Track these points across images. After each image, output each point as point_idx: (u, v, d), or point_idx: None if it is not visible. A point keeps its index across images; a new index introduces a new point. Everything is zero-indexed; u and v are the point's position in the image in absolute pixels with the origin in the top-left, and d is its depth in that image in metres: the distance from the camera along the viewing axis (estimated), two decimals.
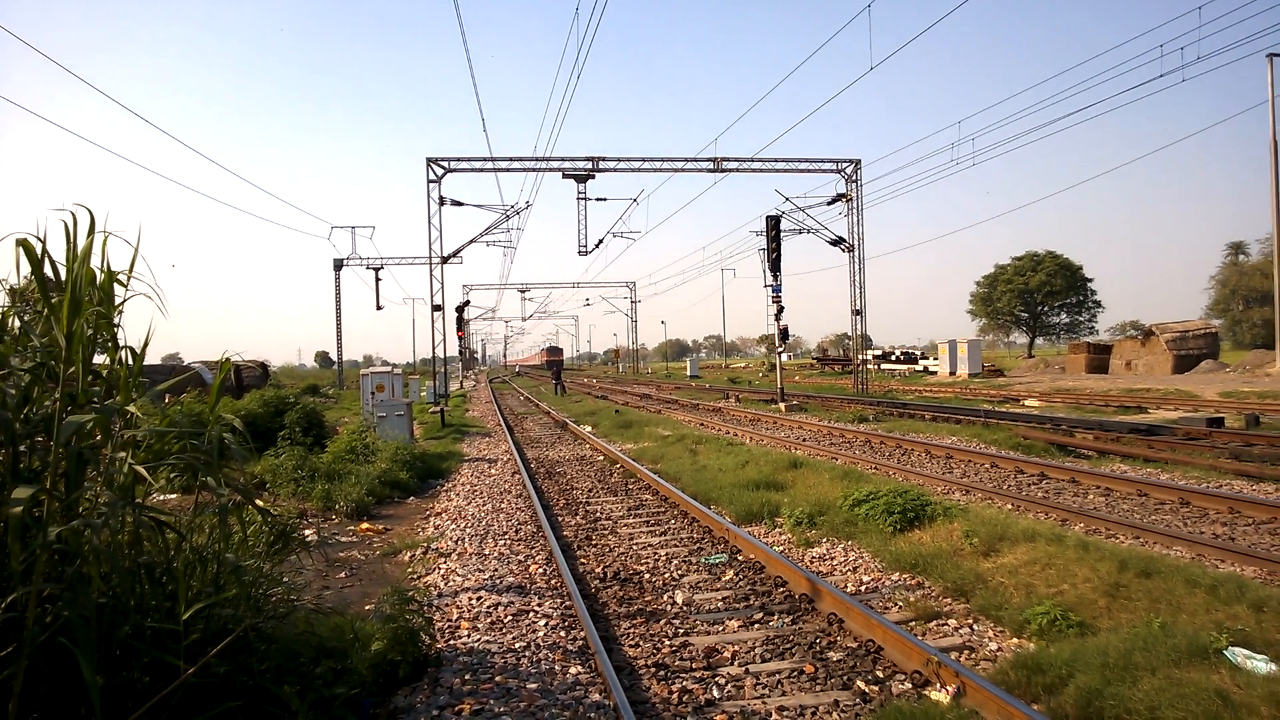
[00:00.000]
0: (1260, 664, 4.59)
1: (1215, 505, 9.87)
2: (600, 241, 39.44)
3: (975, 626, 6.27)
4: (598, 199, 38.82)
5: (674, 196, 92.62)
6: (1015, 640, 5.90)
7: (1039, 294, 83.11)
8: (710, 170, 36.14)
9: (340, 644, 4.98)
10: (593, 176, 36.11)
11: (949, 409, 23.92)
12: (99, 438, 3.74)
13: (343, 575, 8.60)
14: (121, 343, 4.20)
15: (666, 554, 8.82)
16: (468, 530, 10.40)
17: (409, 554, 9.43)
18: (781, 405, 27.03)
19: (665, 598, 7.33)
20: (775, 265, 28.68)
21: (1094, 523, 9.22)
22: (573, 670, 5.64)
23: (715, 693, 5.23)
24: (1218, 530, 8.99)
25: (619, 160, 35.98)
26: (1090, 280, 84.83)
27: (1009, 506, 10.28)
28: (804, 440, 18.48)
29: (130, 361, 4.15)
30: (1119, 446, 14.98)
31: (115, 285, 4.15)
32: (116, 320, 4.17)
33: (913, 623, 6.39)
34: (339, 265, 58.32)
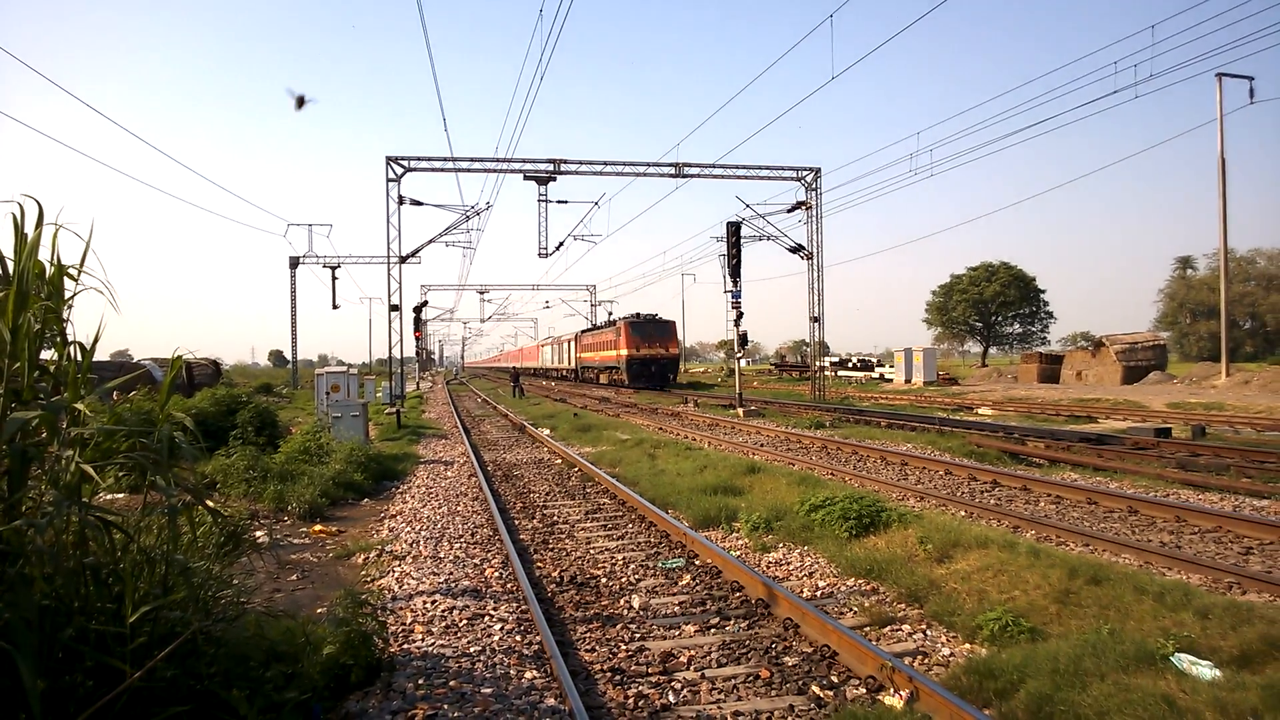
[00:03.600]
0: (1205, 670, 4.70)
1: (1162, 514, 10.09)
2: (561, 244, 39.33)
3: (929, 632, 6.34)
4: (559, 201, 38.82)
5: (635, 201, 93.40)
6: (968, 646, 5.97)
7: (993, 304, 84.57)
8: (672, 175, 36.26)
9: (291, 648, 4.90)
10: (554, 179, 36.07)
11: (904, 416, 24.21)
12: (44, 435, 3.64)
13: (295, 578, 8.45)
14: (70, 338, 4.09)
15: (624, 558, 8.81)
16: (423, 533, 10.29)
17: (363, 556, 9.30)
18: (740, 410, 27.16)
19: (622, 602, 7.31)
20: (735, 271, 28.81)
21: (1045, 530, 9.39)
22: (528, 675, 5.60)
23: (671, 697, 5.22)
24: (1165, 538, 9.20)
25: (581, 163, 35.96)
26: (1043, 291, 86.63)
27: (962, 513, 10.43)
28: (762, 445, 18.58)
29: (79, 358, 4.05)
30: (1070, 455, 15.28)
31: (65, 279, 4.05)
32: (66, 315, 4.06)
33: (867, 628, 6.45)
34: (295, 263, 57.45)
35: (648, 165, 36.17)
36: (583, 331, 64.17)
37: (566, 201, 38.84)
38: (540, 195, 36.54)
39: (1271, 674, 4.62)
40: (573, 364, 65.86)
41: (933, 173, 56.50)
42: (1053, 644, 5.33)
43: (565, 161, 35.79)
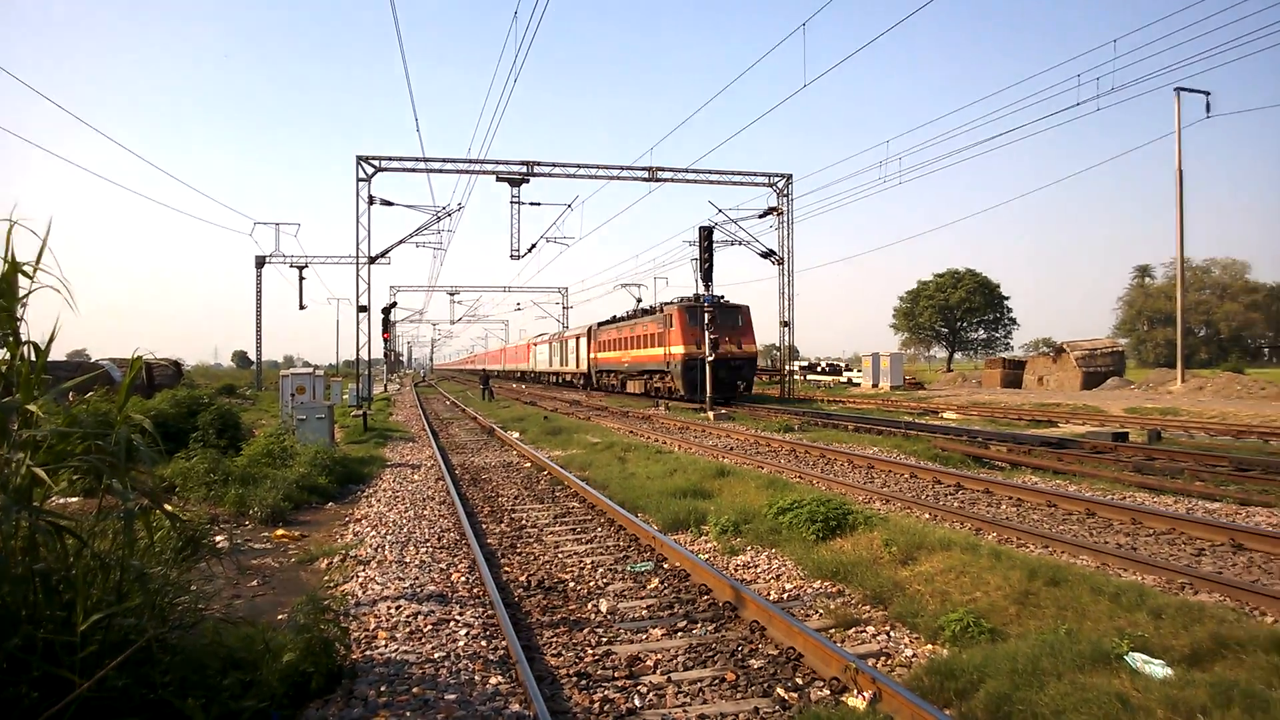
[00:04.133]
0: (1158, 669, 4.78)
1: (1119, 516, 10.26)
2: (533, 246, 39.30)
3: (892, 633, 6.39)
4: (531, 203, 38.80)
5: (609, 204, 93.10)
6: (930, 647, 6.03)
7: (958, 310, 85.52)
8: (645, 179, 36.37)
9: (250, 655, 4.83)
10: (527, 180, 36.03)
11: (871, 420, 24.41)
12: None
13: (255, 583, 8.34)
14: (24, 338, 4.01)
15: (592, 562, 8.79)
16: (388, 537, 10.20)
17: (326, 561, 9.20)
18: (710, 414, 27.23)
19: (590, 606, 7.30)
20: (707, 275, 28.93)
21: (1006, 532, 9.50)
22: (493, 680, 5.56)
23: (637, 701, 5.22)
24: (1121, 540, 9.35)
25: (554, 165, 35.95)
26: (1007, 298, 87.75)
27: (927, 516, 10.53)
28: (731, 449, 18.65)
29: (33, 357, 3.97)
30: (1031, 459, 15.48)
31: (19, 277, 3.97)
32: (19, 314, 3.98)
33: (832, 630, 6.49)
34: (261, 262, 56.80)
35: (621, 169, 36.27)
36: (602, 324, 48.98)
37: (539, 204, 38.78)
38: (513, 197, 36.47)
39: (1220, 672, 4.72)
40: (583, 366, 52.55)
41: (902, 180, 57.17)
42: (1012, 644, 5.40)
43: (538, 164, 35.76)
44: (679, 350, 34.92)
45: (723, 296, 33.17)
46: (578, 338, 54.74)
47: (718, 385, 31.29)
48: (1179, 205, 36.92)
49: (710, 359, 29.53)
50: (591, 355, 50.09)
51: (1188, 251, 41.40)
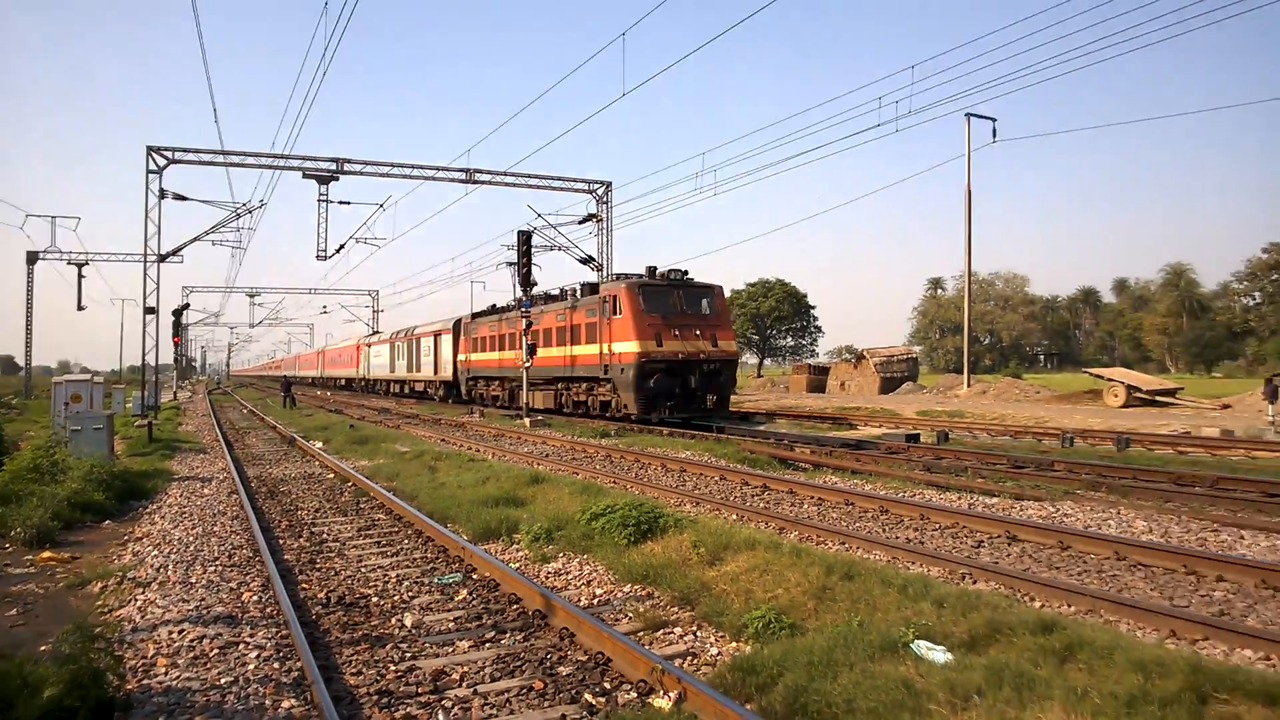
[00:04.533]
0: (939, 655, 5.11)
1: (909, 512, 10.97)
2: (342, 247, 37.73)
3: (699, 633, 6.52)
4: (341, 202, 37.30)
5: (424, 205, 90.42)
6: (734, 644, 6.19)
7: (769, 318, 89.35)
8: (462, 181, 35.74)
9: (4, 693, 4.31)
10: (336, 178, 34.60)
11: (684, 425, 24.99)
12: None
13: (14, 612, 7.47)
14: None
15: (398, 575, 8.47)
16: (173, 556, 9.42)
17: (100, 585, 8.37)
18: (527, 420, 27.03)
19: (394, 621, 7.02)
20: (525, 280, 28.70)
21: (807, 530, 9.95)
22: (285, 704, 5.22)
23: (441, 717, 5.04)
24: (910, 535, 10.00)
25: (366, 163, 34.71)
26: (814, 307, 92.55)
27: (734, 517, 10.87)
28: (547, 455, 18.56)
29: None
30: (832, 460, 16.34)
31: None
32: None
33: (641, 633, 6.54)
34: (33, 258, 51.58)
35: (438, 169, 35.46)
36: (479, 315, 37.92)
37: (349, 203, 37.23)
38: (321, 195, 34.90)
39: (994, 655, 5.10)
40: (446, 373, 41.52)
41: (716, 192, 59.02)
42: (810, 638, 5.63)
43: (349, 161, 34.40)
44: (629, 348, 24.02)
45: (686, 271, 26.22)
46: (437, 335, 42.45)
47: (687, 398, 24.19)
48: (967, 222, 40.30)
49: (676, 359, 23.67)
50: (462, 357, 39.01)
51: (975, 266, 45.09)
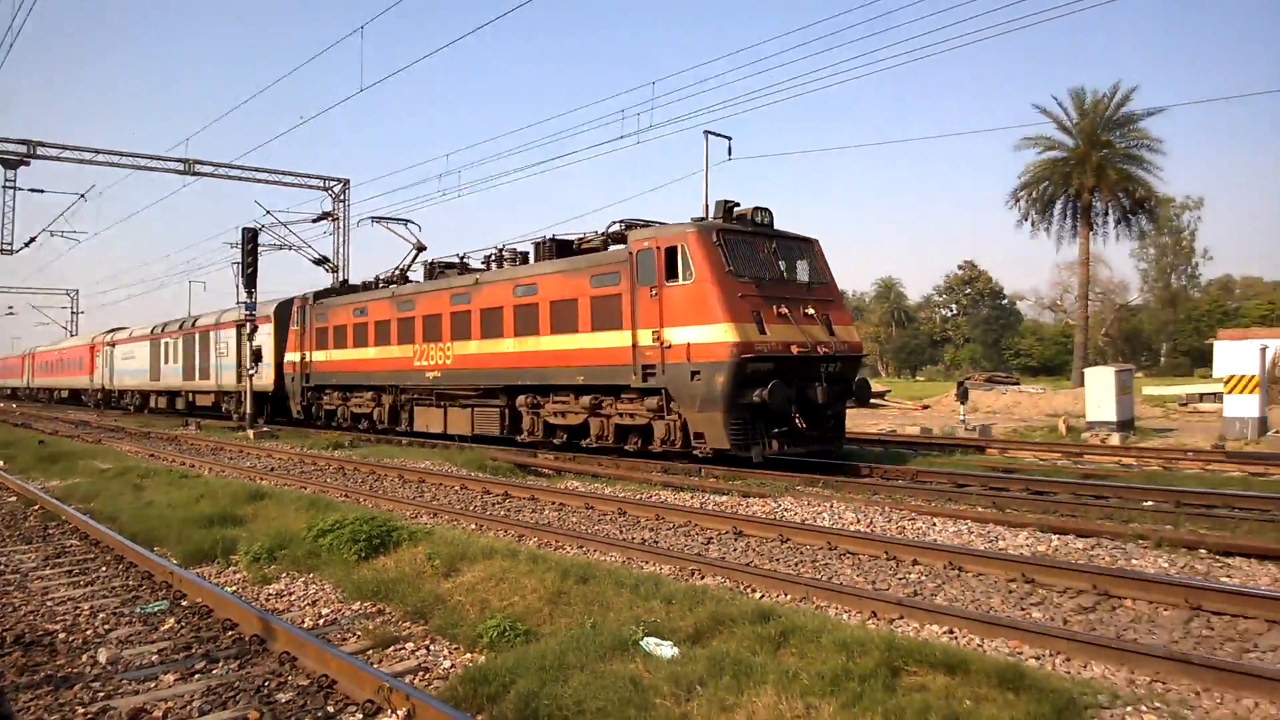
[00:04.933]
0: (666, 649, 5.29)
1: (645, 513, 11.32)
2: (33, 239, 33.43)
3: (432, 647, 6.32)
4: (33, 190, 33.12)
5: (135, 196, 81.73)
6: (469, 655, 6.06)
7: None
8: (180, 172, 32.82)
9: None
10: (26, 163, 30.71)
11: (425, 434, 24.36)
12: None
13: None
14: None
15: (91, 607, 7.52)
16: None
17: None
18: (250, 432, 25.15)
19: (85, 658, 6.21)
20: (251, 281, 26.79)
21: (547, 536, 9.99)
22: None
23: None
24: (645, 535, 10.32)
25: (65, 148, 31.07)
26: None
27: (473, 526, 10.70)
28: (272, 469, 17.36)
29: None
30: (574, 465, 16.55)
31: None
32: None
33: (370, 651, 6.23)
34: None
35: (152, 158, 32.32)
36: (329, 294, 27.78)
37: (44, 190, 33.18)
38: (7, 180, 30.69)
39: (716, 646, 5.35)
40: (266, 379, 28.93)
41: (461, 193, 58.15)
42: (543, 643, 5.62)
43: (42, 144, 30.62)
44: (710, 336, 14.66)
45: (769, 212, 16.72)
46: (242, 327, 28.65)
47: (810, 420, 15.11)
48: None
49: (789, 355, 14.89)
50: (295, 357, 27.39)
51: None
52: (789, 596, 7.38)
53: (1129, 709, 4.75)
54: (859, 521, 10.72)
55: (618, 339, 16.23)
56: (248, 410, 26.72)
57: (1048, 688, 4.63)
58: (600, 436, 17.32)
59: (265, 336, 28.82)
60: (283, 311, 28.97)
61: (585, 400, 17.39)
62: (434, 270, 23.06)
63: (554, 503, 12.48)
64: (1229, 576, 7.78)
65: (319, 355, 26.31)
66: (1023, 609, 7.04)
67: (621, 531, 10.57)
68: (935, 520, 10.57)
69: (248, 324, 26.25)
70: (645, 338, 15.62)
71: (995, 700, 4.54)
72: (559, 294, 17.77)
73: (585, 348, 17.01)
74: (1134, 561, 8.32)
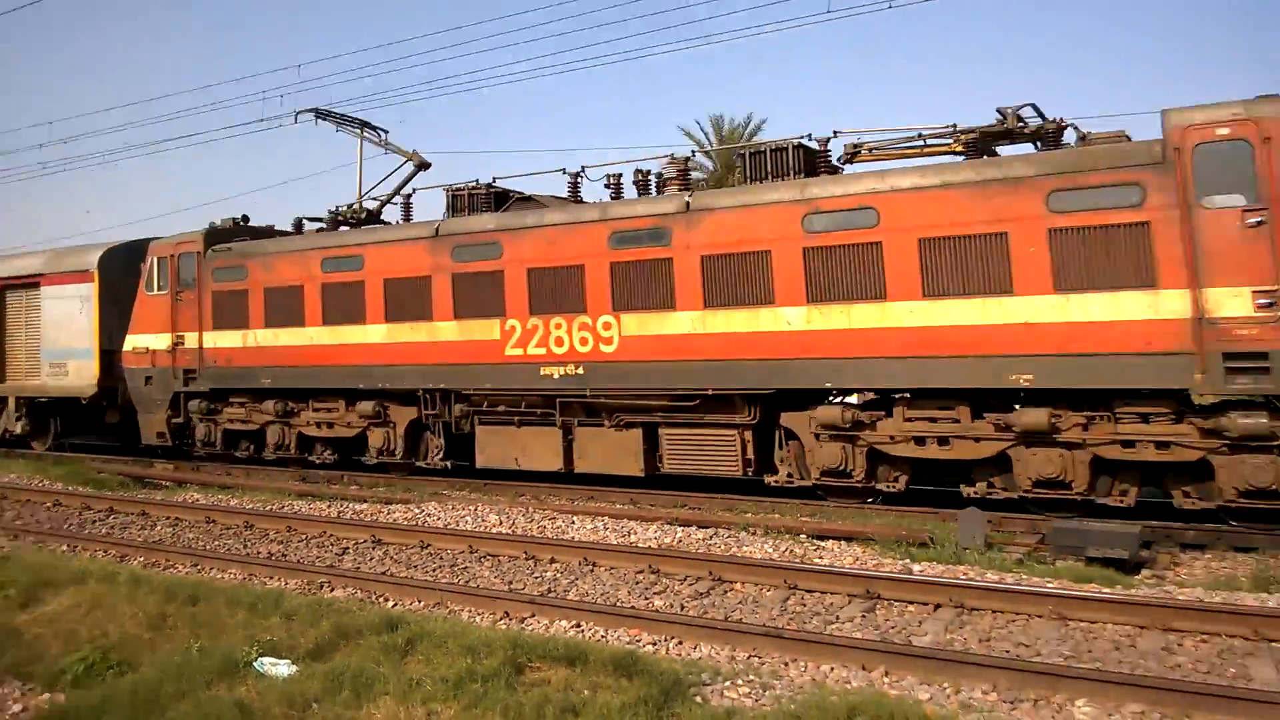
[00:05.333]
0: (283, 668, 5.03)
1: (276, 525, 10.60)
2: None
3: (2, 690, 5.49)
4: None
5: None
6: (47, 695, 5.36)
7: None
8: None
9: None
10: None
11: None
12: None
13: None
14: None
15: None
16: None
17: None
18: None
19: None
20: None
21: (156, 554, 9.06)
22: None
23: None
24: (274, 549, 9.68)
25: None
26: None
27: (64, 548, 9.42)
28: None
29: None
30: (197, 476, 15.12)
31: None
32: None
33: None
34: None
35: None
36: (241, 230, 16.56)
37: None
38: None
39: (338, 660, 5.20)
40: (87, 380, 17.27)
41: (67, 169, 50.65)
42: (140, 674, 5.13)
43: None
44: None
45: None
46: (29, 284, 18.55)
47: None
48: None
49: None
50: (165, 343, 16.21)
51: None
52: (423, 603, 7.30)
53: (727, 684, 5.26)
54: (501, 523, 10.86)
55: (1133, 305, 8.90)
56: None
57: (658, 671, 5.04)
58: (1066, 478, 9.36)
59: (78, 303, 17.73)
60: (118, 264, 17.74)
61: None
62: (505, 199, 13.85)
63: (169, 516, 11.28)
64: (820, 558, 8.83)
65: (227, 337, 15.75)
66: (646, 598, 7.54)
67: (245, 546, 9.83)
68: (575, 518, 10.95)
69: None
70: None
71: (611, 687, 4.85)
72: (948, 224, 9.80)
73: (1030, 322, 9.37)
74: (745, 549, 9.14)
